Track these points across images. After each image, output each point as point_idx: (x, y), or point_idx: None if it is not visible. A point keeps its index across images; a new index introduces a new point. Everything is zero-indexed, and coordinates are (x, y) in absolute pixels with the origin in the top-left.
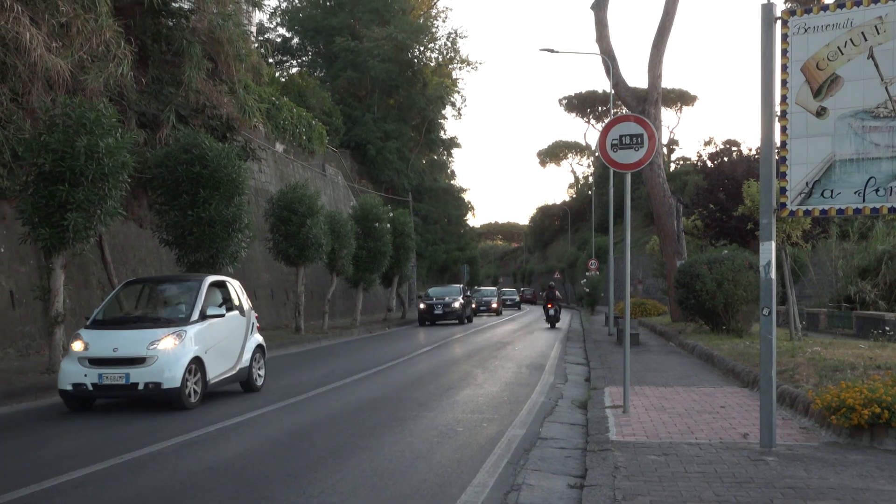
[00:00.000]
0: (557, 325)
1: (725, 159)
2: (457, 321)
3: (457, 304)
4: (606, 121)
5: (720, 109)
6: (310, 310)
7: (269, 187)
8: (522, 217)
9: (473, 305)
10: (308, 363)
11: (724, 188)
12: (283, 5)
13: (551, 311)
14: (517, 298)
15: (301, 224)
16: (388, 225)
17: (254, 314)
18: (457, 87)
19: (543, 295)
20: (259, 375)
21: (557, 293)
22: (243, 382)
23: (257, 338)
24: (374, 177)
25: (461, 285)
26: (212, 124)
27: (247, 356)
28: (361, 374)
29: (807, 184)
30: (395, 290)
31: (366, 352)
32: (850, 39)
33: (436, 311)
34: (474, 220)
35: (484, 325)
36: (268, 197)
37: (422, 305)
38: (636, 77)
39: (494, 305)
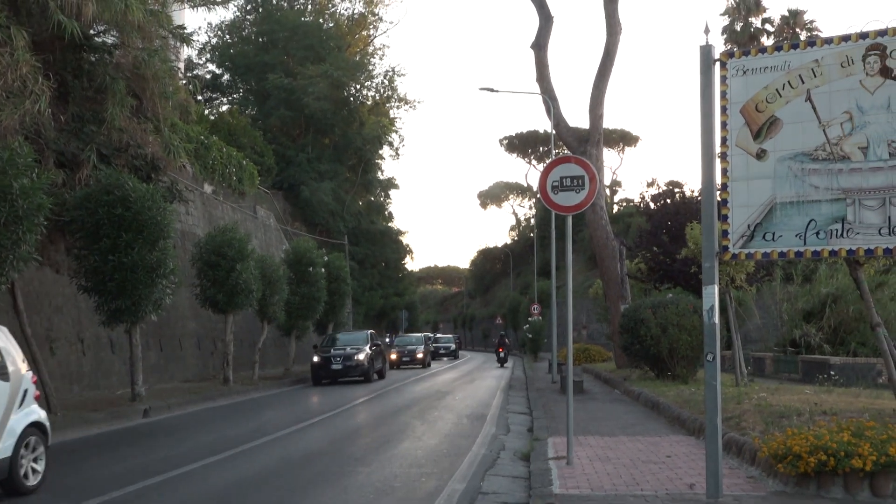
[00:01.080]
0: (506, 364)
1: (668, 201)
2: (362, 378)
3: (361, 357)
4: (547, 162)
5: (663, 150)
6: (239, 360)
7: (196, 230)
8: (463, 261)
9: (393, 356)
10: (237, 416)
11: (667, 230)
12: (214, 41)
13: (501, 354)
14: (453, 346)
15: (230, 269)
16: (323, 269)
17: (30, 378)
18: (394, 126)
19: (496, 342)
20: (33, 470)
21: (507, 340)
22: (2, 480)
23: (33, 413)
24: (308, 219)
25: (369, 331)
26: (136, 164)
27: (7, 442)
28: (294, 427)
29: (748, 226)
30: (293, 341)
31: (299, 403)
32: (788, 82)
33: (334, 366)
34: (413, 264)
35: (400, 381)
36: (195, 240)
37: (316, 358)
38: (578, 117)
39: (420, 355)
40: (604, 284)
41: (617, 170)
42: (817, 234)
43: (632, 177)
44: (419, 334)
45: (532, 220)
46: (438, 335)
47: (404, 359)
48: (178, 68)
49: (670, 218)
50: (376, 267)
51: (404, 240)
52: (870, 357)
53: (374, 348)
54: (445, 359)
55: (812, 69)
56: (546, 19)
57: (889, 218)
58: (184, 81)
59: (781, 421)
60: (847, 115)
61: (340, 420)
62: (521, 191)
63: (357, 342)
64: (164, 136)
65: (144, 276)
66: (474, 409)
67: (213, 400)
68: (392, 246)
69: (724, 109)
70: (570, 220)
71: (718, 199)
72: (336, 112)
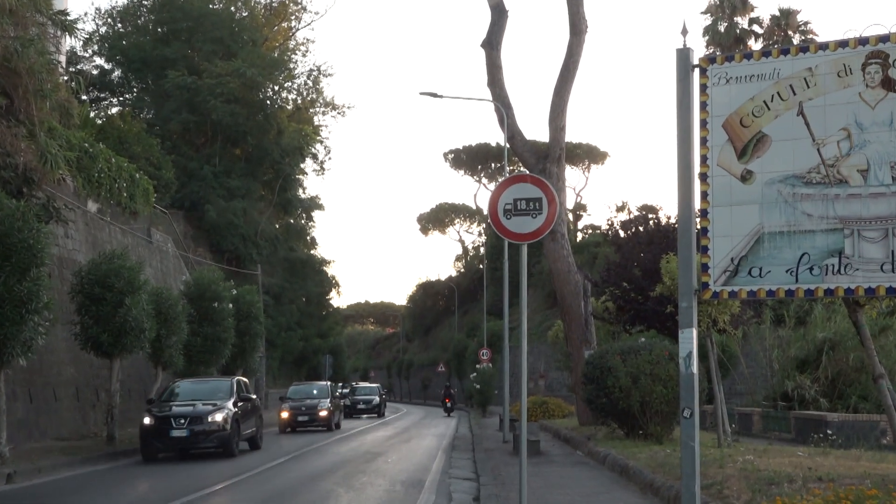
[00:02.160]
0: (452, 413)
1: (641, 229)
2: (220, 449)
3: (219, 417)
4: (500, 180)
5: (635, 170)
6: (127, 413)
7: (77, 256)
8: (399, 296)
9: (285, 415)
10: (124, 483)
11: (639, 263)
12: (102, 30)
13: (448, 405)
14: (376, 399)
15: (117, 304)
16: (231, 305)
17: None
18: (319, 135)
19: (442, 392)
20: None
21: (452, 391)
22: None
23: None
24: (215, 244)
25: (235, 379)
26: (4, 176)
27: None
28: (188, 497)
29: (732, 260)
30: None
31: (201, 466)
32: (778, 93)
33: (175, 433)
34: (340, 300)
35: (293, 451)
36: (75, 269)
37: (147, 420)
38: (536, 129)
39: (323, 413)
40: (565, 326)
41: (581, 191)
42: (811, 269)
43: (599, 200)
44: (322, 383)
45: (482, 249)
46: (358, 384)
47: (300, 418)
48: (59, 62)
49: (643, 249)
50: (295, 303)
51: (330, 271)
52: (872, 414)
53: (241, 404)
54: (366, 416)
55: (805, 79)
56: (499, 13)
57: (892, 252)
58: (65, 78)
59: (770, 489)
60: (845, 133)
61: (275, 476)
62: (469, 214)
63: (214, 394)
64: (39, 142)
65: (12, 312)
66: (411, 473)
67: (94, 462)
68: (315, 278)
69: (703, 123)
70: (525, 250)
71: (697, 227)
72: (249, 118)
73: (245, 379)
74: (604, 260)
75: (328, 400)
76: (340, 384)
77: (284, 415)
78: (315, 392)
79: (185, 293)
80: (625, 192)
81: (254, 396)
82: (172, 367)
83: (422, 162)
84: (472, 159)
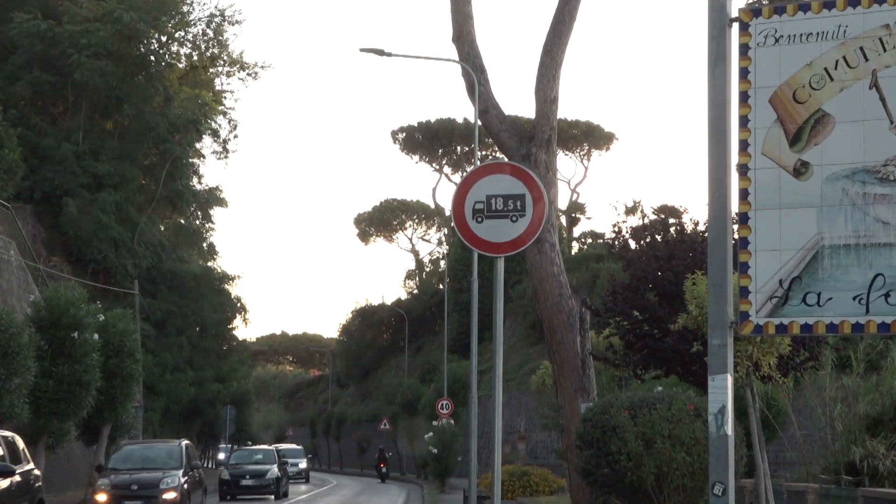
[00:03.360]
0: (387, 480)
1: (658, 238)
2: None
3: (169, 497)
4: (468, 170)
5: (651, 158)
6: None
7: None
8: (329, 327)
9: (102, 498)
10: None
11: (655, 285)
12: None
13: (383, 470)
14: (272, 472)
15: None
16: (97, 336)
17: None
18: (223, 104)
19: (376, 457)
20: None
21: (388, 454)
22: None
23: None
24: (76, 252)
25: (182, 442)
26: None
27: None
28: None
29: (780, 282)
30: (42, 453)
31: None
32: (844, 58)
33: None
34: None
35: None
36: None
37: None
38: (519, 103)
39: (171, 496)
40: (554, 369)
41: (578, 186)
42: (887, 296)
43: (602, 198)
44: (174, 443)
45: (442, 264)
46: (281, 446)
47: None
48: None
49: (661, 265)
50: (186, 334)
51: (234, 290)
52: None
53: (191, 475)
54: (254, 498)
55: (881, 39)
56: None
57: None
58: None
59: None
60: None
61: None
62: (426, 215)
63: (161, 462)
64: None
65: None
66: None
67: None
68: (214, 300)
69: (744, 97)
70: (501, 266)
71: (735, 237)
72: (126, 79)
73: (187, 442)
74: (608, 280)
75: (178, 473)
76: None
77: (101, 498)
78: (161, 455)
79: (34, 319)
80: (637, 187)
81: (198, 464)
82: (13, 419)
83: (363, 144)
84: (430, 141)
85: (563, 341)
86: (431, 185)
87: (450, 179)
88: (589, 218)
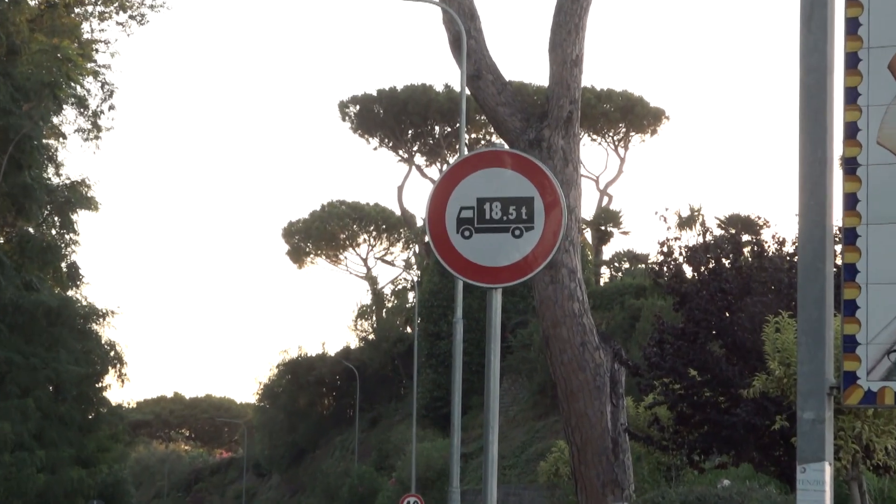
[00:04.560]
0: None
1: (726, 262)
2: None
3: None
4: (451, 162)
5: (718, 145)
6: None
7: None
8: (245, 387)
9: None
10: None
11: (722, 331)
12: None
13: None
14: None
15: None
16: None
17: None
18: (93, 61)
19: None
20: None
21: None
22: None
23: None
24: None
25: None
26: None
27: None
28: None
29: None
30: None
31: None
32: None
33: None
34: (125, 392)
35: None
36: None
37: None
38: (525, 67)
39: None
40: (573, 452)
41: (612, 185)
42: None
43: (645, 203)
44: None
45: (411, 297)
46: None
47: None
48: None
49: (730, 303)
50: (34, 394)
51: (106, 332)
52: None
53: None
54: None
55: None
56: None
57: None
58: None
59: None
60: None
61: None
62: (388, 226)
63: None
64: None
65: None
66: None
67: None
68: (75, 346)
69: (852, 61)
70: (497, 301)
71: (837, 262)
72: None
73: None
74: (652, 323)
75: None
76: None
77: None
78: None
79: None
80: (696, 189)
81: None
82: None
83: (297, 121)
84: (396, 117)
85: (587, 412)
86: (396, 181)
87: (423, 174)
88: (626, 233)
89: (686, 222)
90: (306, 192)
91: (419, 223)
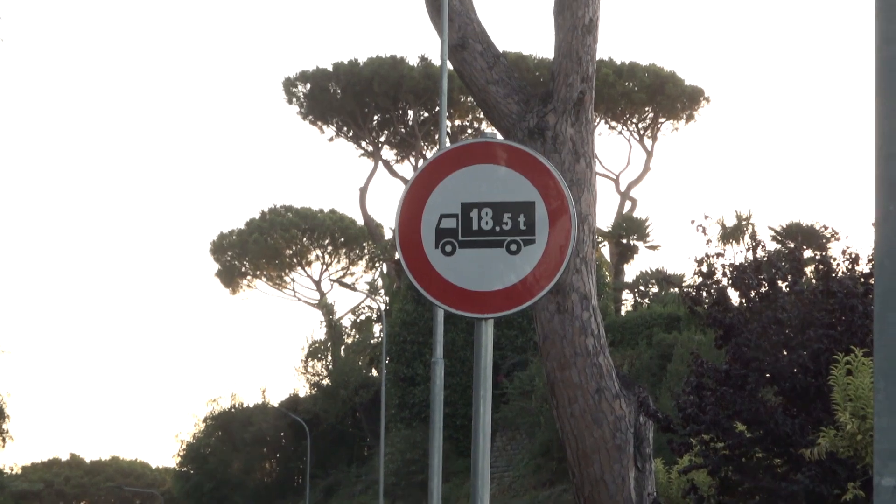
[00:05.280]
0: None
1: (783, 285)
2: None
3: None
4: (429, 156)
5: (771, 134)
6: None
7: None
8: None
9: None
10: None
11: (777, 374)
12: None
13: None
14: None
15: None
16: None
17: None
18: None
19: None
20: None
21: None
22: None
23: None
24: None
25: None
26: None
27: None
28: None
29: None
30: None
31: None
32: None
33: None
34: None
35: None
36: None
37: None
38: (524, 40)
39: None
40: None
41: (636, 186)
42: None
43: (678, 208)
44: None
45: (377, 331)
46: None
47: None
48: None
49: (787, 338)
50: None
51: None
52: None
53: None
54: None
55: None
56: None
57: None
58: None
59: None
60: None
61: None
62: (347, 239)
63: None
64: None
65: None
66: None
67: None
68: None
69: None
70: (488, 335)
71: None
72: None
73: None
74: (688, 364)
75: None
76: None
77: None
78: None
79: None
80: (743, 191)
81: None
82: None
83: (228, 103)
84: (357, 99)
85: (604, 479)
86: (358, 181)
87: (393, 172)
88: (654, 247)
89: (731, 234)
90: (242, 196)
91: (387, 235)
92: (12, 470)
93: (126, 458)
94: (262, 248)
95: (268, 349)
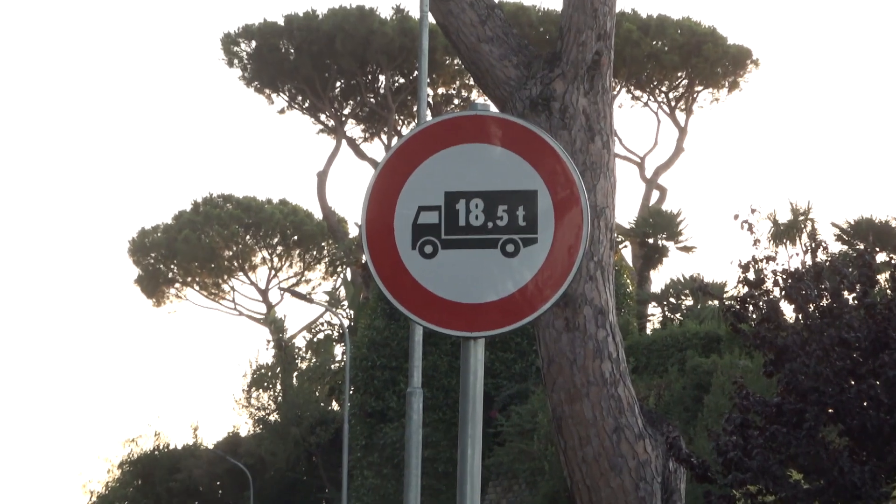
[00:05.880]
0: None
1: (850, 296)
2: None
3: None
4: (405, 133)
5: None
6: None
7: None
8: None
9: None
10: None
11: (842, 409)
12: None
13: None
14: None
15: None
16: None
17: None
18: None
19: None
20: None
21: None
22: None
23: None
24: None
25: None
26: None
27: None
28: None
29: None
30: None
31: None
32: None
33: None
34: None
35: None
36: None
37: None
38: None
39: None
40: None
41: (665, 172)
42: None
43: (717, 198)
44: None
45: (339, 352)
46: None
47: None
48: None
49: (854, 361)
50: None
51: None
52: None
53: None
54: None
55: None
56: None
57: None
58: None
59: None
60: None
61: None
62: (300, 237)
63: None
64: None
65: None
66: None
67: None
68: None
69: None
70: (479, 357)
71: None
72: None
73: None
74: (728, 394)
75: None
76: None
77: None
78: None
79: None
80: (801, 178)
81: None
82: None
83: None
84: (314, 61)
85: None
86: (317, 164)
87: (360, 153)
88: (689, 249)
89: (785, 232)
90: (169, 184)
91: (353, 232)
92: None
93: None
94: (195, 248)
95: (201, 376)
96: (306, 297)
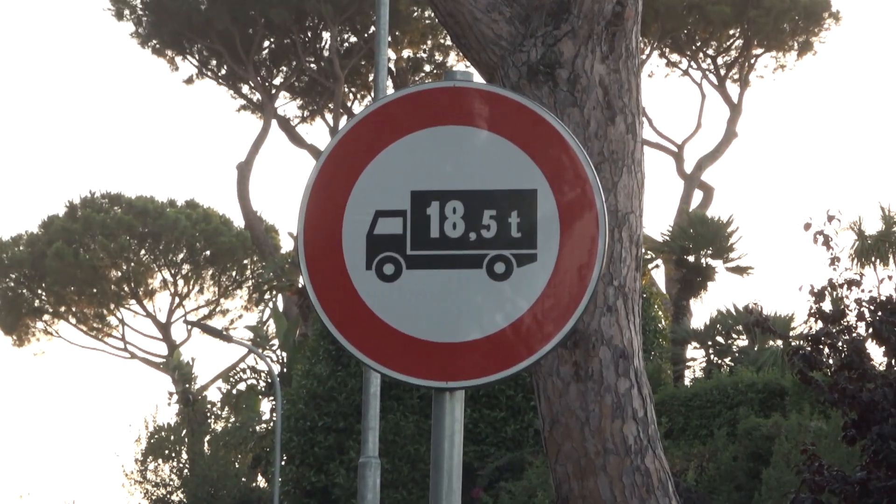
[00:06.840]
0: None
1: None
2: None
3: None
4: (358, 111)
5: None
6: None
7: None
8: None
9: None
10: None
11: None
12: None
13: None
14: None
15: None
16: None
17: None
18: None
19: None
20: None
21: None
22: None
23: None
24: None
25: None
26: None
27: None
28: None
29: None
30: None
31: None
32: None
33: None
34: None
35: None
36: None
37: None
38: None
39: None
40: None
41: (712, 165)
42: None
43: (780, 198)
44: None
45: (269, 410)
46: None
47: None
48: None
49: None
50: None
51: None
52: None
53: None
54: None
55: None
56: None
57: None
58: None
59: None
60: None
61: None
62: (214, 252)
63: None
64: None
65: None
66: None
67: None
68: None
69: None
70: (457, 415)
71: None
72: None
73: None
74: (795, 464)
75: None
76: None
77: None
78: None
79: None
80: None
81: None
82: None
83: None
84: (232, 14)
85: None
86: (238, 153)
87: (296, 139)
88: (743, 270)
89: (873, 247)
90: (34, 181)
91: (285, 246)
92: None
93: None
94: (70, 266)
95: (78, 440)
96: (222, 334)
